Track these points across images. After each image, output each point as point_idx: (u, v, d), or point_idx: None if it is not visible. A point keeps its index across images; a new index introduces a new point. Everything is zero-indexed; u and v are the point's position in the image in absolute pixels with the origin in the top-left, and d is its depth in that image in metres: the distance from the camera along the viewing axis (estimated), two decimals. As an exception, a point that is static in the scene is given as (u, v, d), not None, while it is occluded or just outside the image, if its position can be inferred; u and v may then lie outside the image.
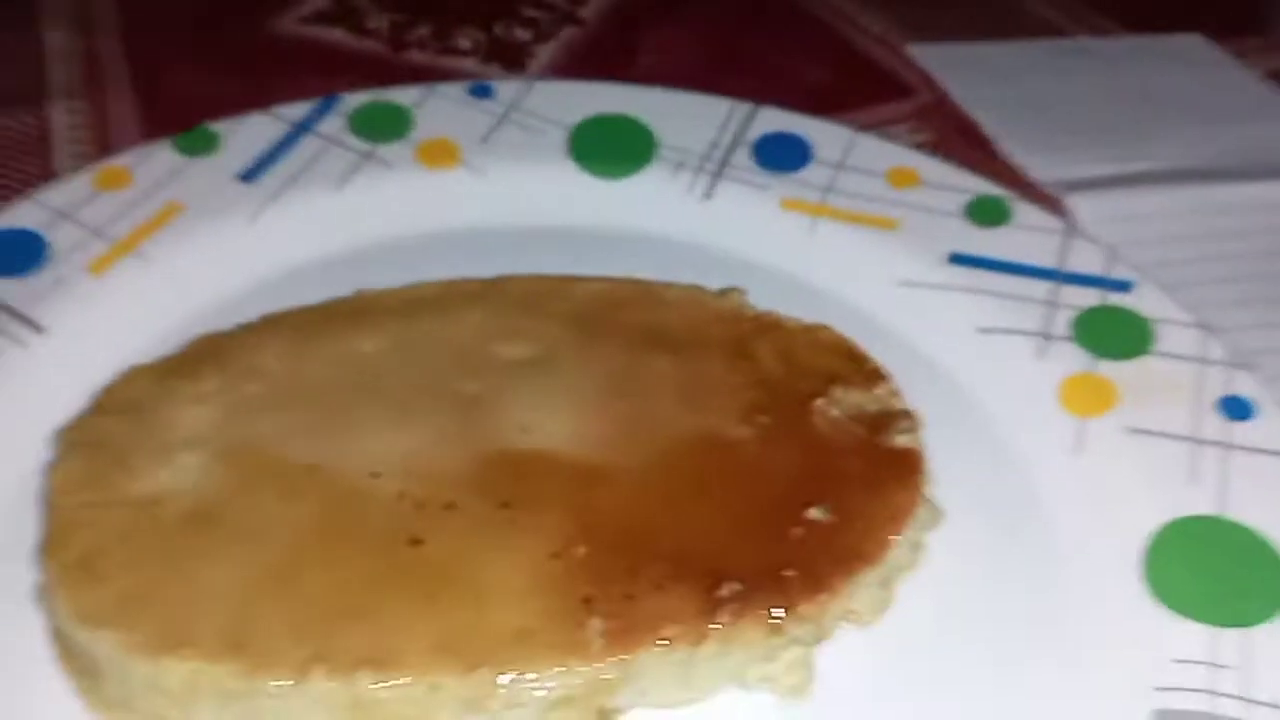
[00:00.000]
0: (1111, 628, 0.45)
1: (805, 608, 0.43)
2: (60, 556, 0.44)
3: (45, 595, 0.44)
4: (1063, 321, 0.56)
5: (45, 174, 0.69)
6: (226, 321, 0.55)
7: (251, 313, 0.56)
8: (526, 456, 0.48)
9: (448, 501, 0.46)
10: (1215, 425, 0.51)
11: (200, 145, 0.65)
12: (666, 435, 0.49)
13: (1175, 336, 0.55)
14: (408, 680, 0.40)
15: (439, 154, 0.67)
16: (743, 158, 0.67)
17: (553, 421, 0.50)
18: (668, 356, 0.53)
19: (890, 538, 0.45)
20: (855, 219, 0.63)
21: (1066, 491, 0.50)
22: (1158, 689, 0.43)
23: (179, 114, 0.71)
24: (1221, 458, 0.49)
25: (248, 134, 0.66)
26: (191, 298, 0.59)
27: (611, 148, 0.67)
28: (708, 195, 0.65)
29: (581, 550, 0.44)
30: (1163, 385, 0.52)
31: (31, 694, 0.43)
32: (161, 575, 0.43)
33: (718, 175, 0.66)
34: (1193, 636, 0.44)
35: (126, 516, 0.45)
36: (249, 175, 0.64)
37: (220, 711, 0.41)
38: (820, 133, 0.68)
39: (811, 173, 0.65)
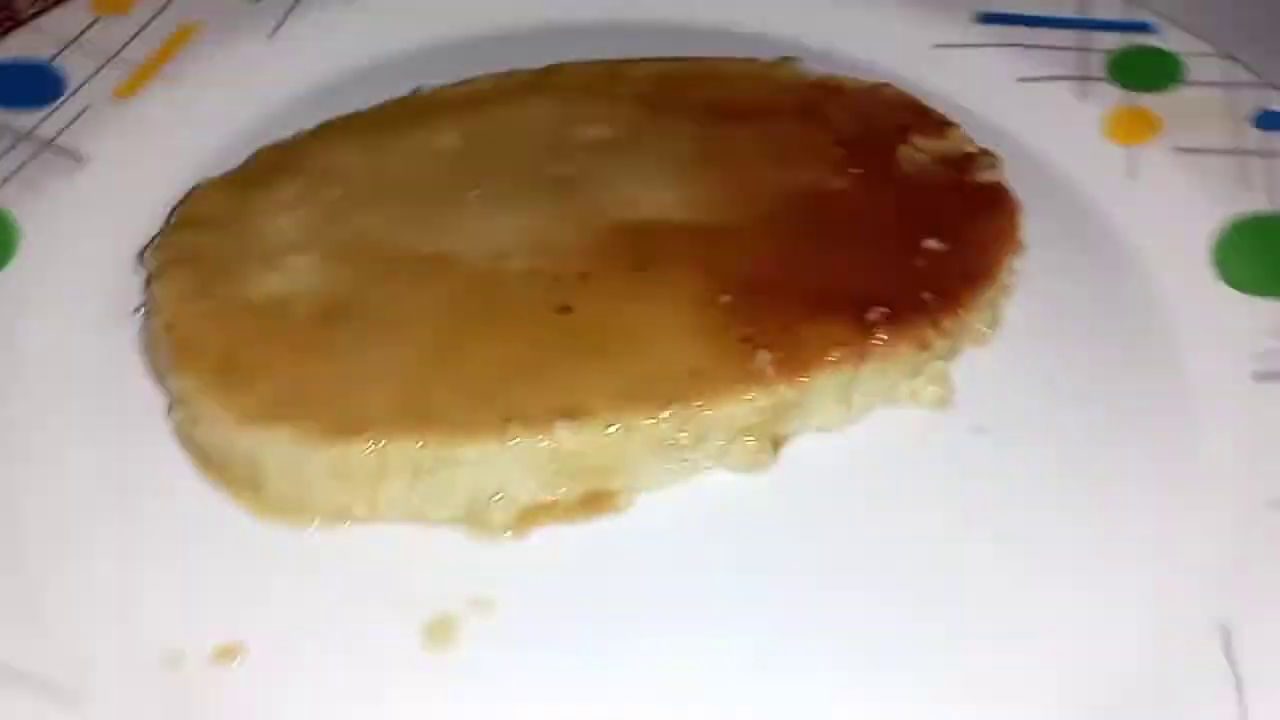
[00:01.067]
0: (1197, 321, 0.50)
1: (946, 323, 0.45)
2: (197, 367, 0.43)
3: (187, 409, 0.43)
4: (1096, 63, 0.59)
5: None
6: (270, 136, 0.54)
7: (291, 126, 0.54)
8: (643, 225, 0.48)
9: (581, 272, 0.46)
10: (1255, 137, 0.55)
11: (197, -38, 0.61)
12: (769, 193, 0.50)
13: (1202, 66, 0.58)
14: (603, 426, 0.41)
15: (448, -44, 0.64)
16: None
17: (657, 193, 0.50)
18: (744, 125, 0.54)
19: (1002, 258, 0.48)
20: (880, -11, 0.64)
21: (1130, 211, 0.54)
22: (1251, 355, 0.47)
23: None
24: (1266, 165, 0.54)
25: (246, -50, 0.62)
26: (227, 116, 0.56)
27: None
28: (734, -21, 0.65)
29: (726, 298, 0.45)
30: (1200, 109, 0.56)
31: (182, 515, 0.42)
32: (316, 368, 0.43)
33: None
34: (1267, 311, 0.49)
35: (255, 320, 0.44)
36: (258, -9, 0.61)
37: (409, 490, 0.41)
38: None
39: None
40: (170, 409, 0.44)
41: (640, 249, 0.47)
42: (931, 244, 0.48)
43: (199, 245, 0.47)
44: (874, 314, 0.45)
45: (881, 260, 0.47)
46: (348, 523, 0.42)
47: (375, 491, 0.41)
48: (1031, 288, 0.50)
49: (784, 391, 0.42)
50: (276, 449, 0.41)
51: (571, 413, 0.41)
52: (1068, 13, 0.62)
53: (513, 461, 0.41)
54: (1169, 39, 0.60)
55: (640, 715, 0.38)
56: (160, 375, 0.45)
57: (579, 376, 0.42)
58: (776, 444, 0.44)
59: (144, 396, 0.45)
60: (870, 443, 0.45)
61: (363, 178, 0.51)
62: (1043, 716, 0.38)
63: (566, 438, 0.41)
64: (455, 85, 0.55)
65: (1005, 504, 0.43)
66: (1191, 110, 0.56)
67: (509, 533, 0.41)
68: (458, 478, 0.41)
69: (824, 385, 0.43)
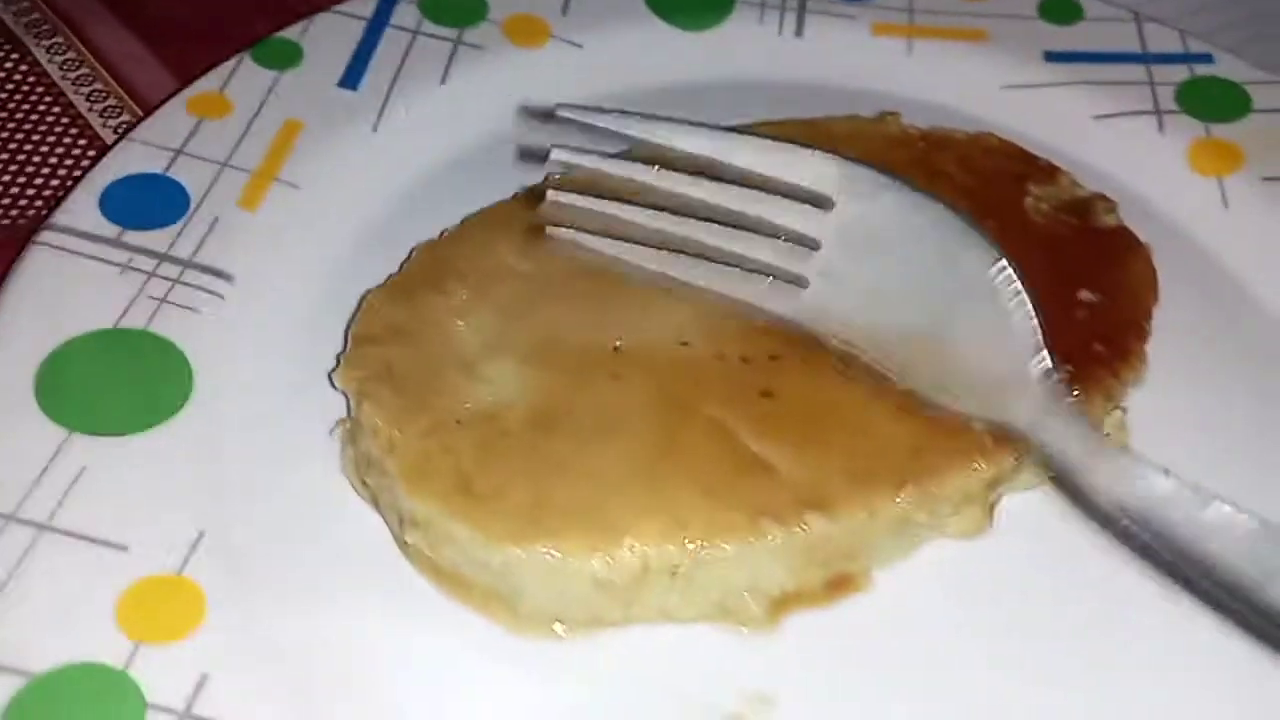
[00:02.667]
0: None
1: (1124, 373, 0.48)
2: (432, 489, 0.43)
3: (427, 533, 0.43)
4: (1167, 97, 0.63)
5: (71, 116, 0.62)
6: (402, 230, 0.53)
7: (422, 217, 0.54)
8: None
9: (771, 353, 0.47)
10: (1332, 161, 0.59)
11: (283, 58, 0.60)
12: (914, 254, 0.52)
13: (1267, 93, 0.62)
14: (849, 513, 0.42)
15: (528, 31, 0.64)
16: (821, -10, 0.68)
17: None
18: (872, 187, 0.56)
19: (1151, 302, 0.51)
20: (946, 34, 0.66)
21: (1230, 242, 0.58)
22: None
23: (179, 37, 0.66)
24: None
25: (325, 38, 0.61)
26: (354, 214, 0.56)
27: (691, -1, 0.67)
28: (798, 34, 0.67)
29: (920, 368, 0.47)
30: (1275, 137, 0.60)
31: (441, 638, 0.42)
32: (552, 478, 0.43)
33: (802, 11, 0.67)
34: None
35: (475, 434, 0.44)
36: (349, 81, 0.60)
37: (666, 594, 0.42)
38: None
39: (888, -3, 0.68)
40: (402, 531, 0.44)
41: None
42: (1085, 295, 0.51)
43: (392, 360, 0.47)
44: (1062, 374, 0.47)
45: (1048, 316, 0.50)
46: (601, 630, 0.43)
47: (632, 598, 0.42)
48: (1160, 325, 0.54)
49: (1004, 459, 0.45)
50: (536, 567, 0.41)
51: (818, 504, 0.42)
52: (1131, 47, 0.66)
53: (765, 556, 0.42)
54: (1228, 69, 0.64)
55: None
56: (380, 499, 0.45)
57: (807, 463, 0.43)
58: (993, 508, 0.46)
59: (361, 522, 0.45)
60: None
61: (526, 273, 0.50)
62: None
63: (818, 528, 0.42)
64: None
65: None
66: (1270, 139, 0.60)
67: (763, 625, 0.43)
68: (711, 577, 0.42)
69: (1034, 448, 0.45)
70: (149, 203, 0.53)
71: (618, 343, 0.48)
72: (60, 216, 0.51)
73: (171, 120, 0.57)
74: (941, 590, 0.44)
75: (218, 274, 0.51)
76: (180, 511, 0.43)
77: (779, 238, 0.44)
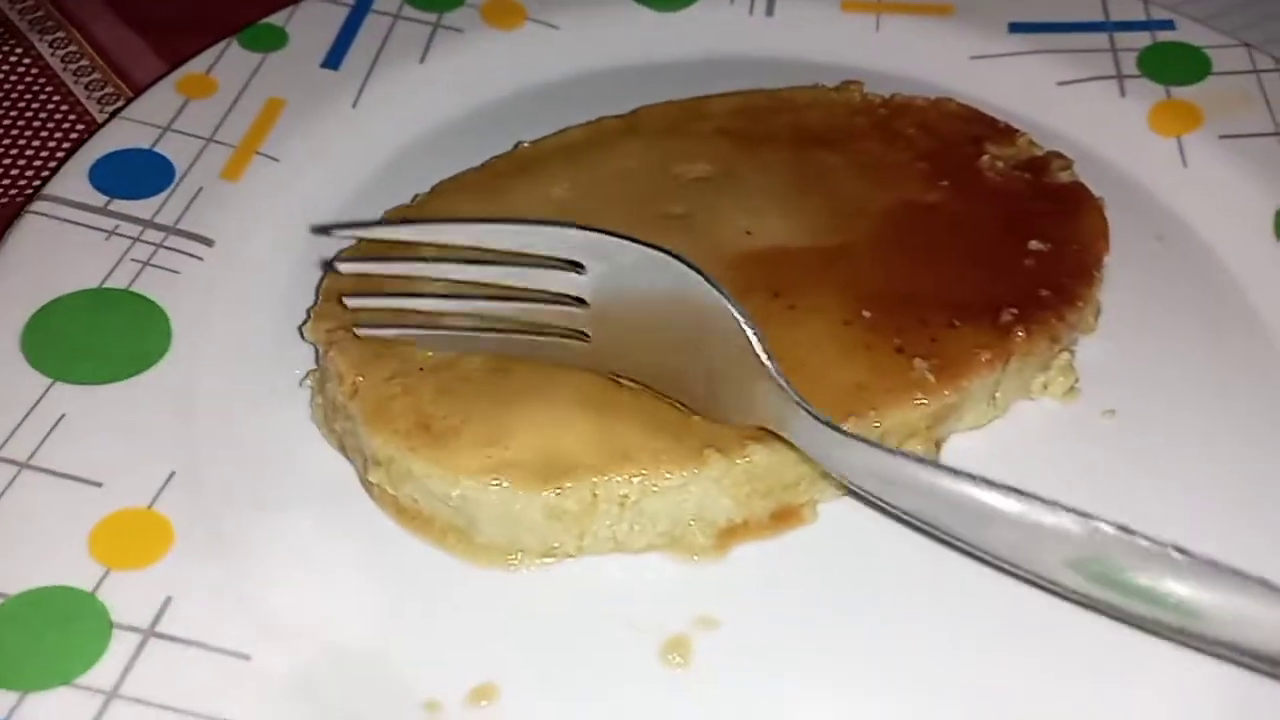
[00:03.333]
0: (1272, 292, 0.54)
1: (1070, 316, 0.49)
2: (394, 429, 0.45)
3: (388, 470, 0.45)
4: (1129, 62, 0.64)
5: (70, 103, 0.66)
6: (378, 201, 0.56)
7: (395, 189, 0.56)
8: (766, 253, 0.51)
9: (723, 298, 0.49)
10: (1289, 118, 0.60)
11: (268, 40, 0.63)
12: (871, 211, 0.54)
13: (1227, 57, 0.63)
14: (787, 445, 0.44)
15: (505, 13, 0.67)
16: (791, -30, 0.70)
17: (768, 221, 0.53)
18: (831, 150, 0.57)
19: (1101, 252, 0.52)
20: (914, 9, 0.68)
21: (1188, 199, 0.58)
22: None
23: (174, 29, 0.69)
24: (1306, 142, 0.59)
25: (309, 23, 0.64)
26: (331, 186, 0.58)
27: (664, -20, 0.69)
28: (769, 13, 0.69)
29: (867, 314, 0.48)
30: (1236, 98, 0.61)
31: (400, 570, 0.44)
32: (507, 418, 0.45)
33: (772, -9, 0.69)
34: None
35: (433, 378, 0.46)
36: (331, 62, 0.63)
37: (614, 523, 0.44)
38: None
39: (857, -26, 0.70)
40: (365, 471, 0.46)
41: (770, 276, 0.50)
42: (1035, 245, 0.52)
43: (359, 314, 0.49)
44: (1006, 315, 0.48)
45: (995, 265, 0.51)
46: (555, 560, 0.44)
47: (583, 528, 0.44)
48: (1116, 277, 0.55)
49: (947, 395, 0.46)
50: (491, 499, 0.43)
51: (761, 435, 0.44)
52: (1094, 16, 0.67)
53: (710, 486, 0.44)
54: (1190, 34, 0.65)
55: (870, 700, 0.41)
56: (345, 442, 0.47)
57: (753, 402, 0.45)
58: (938, 445, 0.47)
59: (327, 465, 0.47)
60: (1015, 436, 0.49)
61: (487, 230, 0.53)
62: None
63: (761, 458, 0.43)
64: (550, 137, 0.58)
65: (1148, 478, 0.47)
66: (1227, 99, 0.61)
67: (711, 554, 0.44)
68: (659, 507, 0.44)
69: (978, 386, 0.47)
70: (136, 174, 0.55)
71: (576, 295, 0.50)
72: (52, 187, 0.54)
73: (160, 99, 0.59)
74: (884, 523, 0.45)
75: (199, 239, 0.54)
76: (153, 453, 0.45)
77: (552, 302, 0.45)
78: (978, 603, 0.43)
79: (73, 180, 0.55)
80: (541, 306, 0.45)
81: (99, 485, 0.44)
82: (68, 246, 0.52)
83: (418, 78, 0.63)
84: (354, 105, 0.61)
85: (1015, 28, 0.67)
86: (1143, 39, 0.65)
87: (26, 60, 0.69)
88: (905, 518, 0.40)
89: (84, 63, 0.69)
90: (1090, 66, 0.64)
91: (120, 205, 0.54)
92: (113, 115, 0.58)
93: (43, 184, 0.60)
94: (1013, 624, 0.43)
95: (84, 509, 0.43)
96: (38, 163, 0.63)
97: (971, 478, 0.37)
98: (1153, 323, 0.53)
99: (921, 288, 0.50)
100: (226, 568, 0.42)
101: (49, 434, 0.45)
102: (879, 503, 0.40)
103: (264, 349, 0.51)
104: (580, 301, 0.44)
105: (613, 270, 0.43)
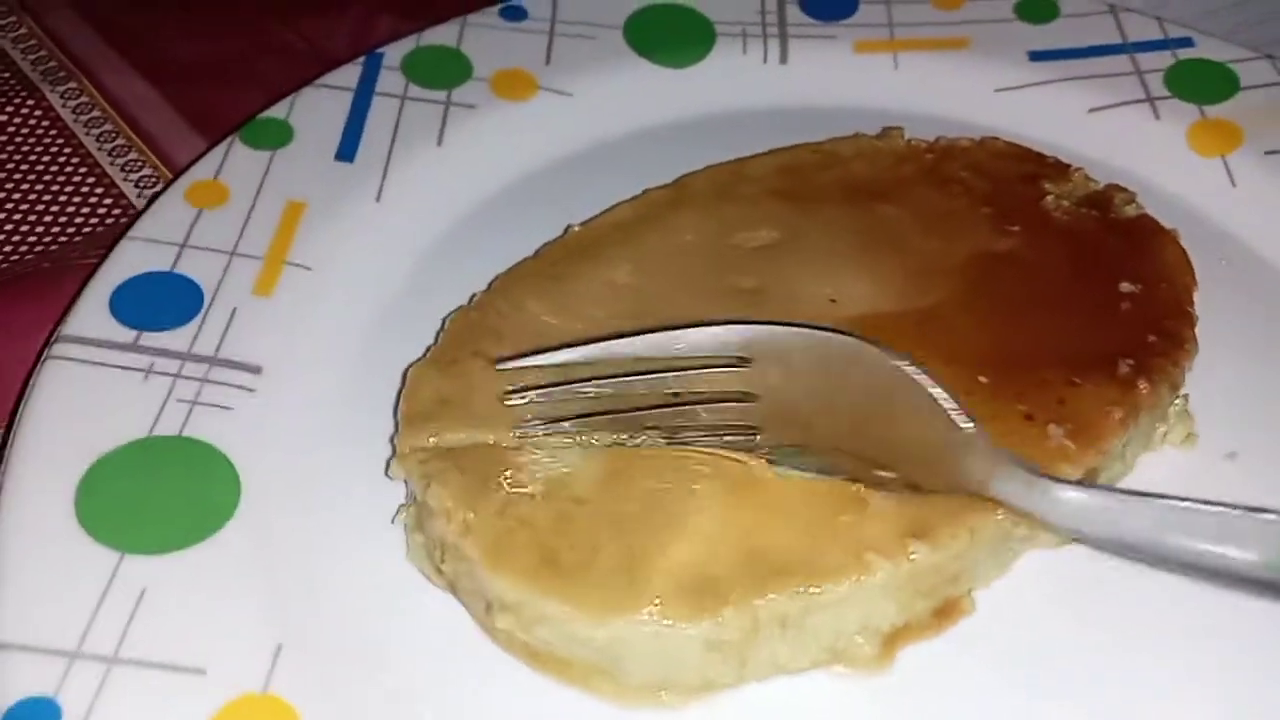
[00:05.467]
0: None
1: (1182, 360, 0.48)
2: (517, 568, 0.41)
3: (517, 613, 0.41)
4: (1156, 83, 0.64)
5: (81, 156, 0.64)
6: (426, 300, 0.52)
7: (439, 283, 0.53)
8: (855, 321, 0.49)
9: (832, 383, 0.47)
10: (1327, 128, 0.60)
11: (274, 136, 0.58)
12: (950, 267, 0.52)
13: (1252, 71, 0.63)
14: (952, 537, 0.41)
15: (516, 85, 0.63)
16: (796, 14, 0.68)
17: (847, 287, 0.51)
18: (887, 202, 0.55)
19: (1190, 286, 0.51)
20: (929, 44, 0.67)
21: (1244, 218, 0.58)
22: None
23: (186, 79, 0.69)
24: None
25: (313, 113, 0.60)
26: (371, 290, 0.54)
27: (670, 35, 0.66)
28: (783, 61, 0.66)
29: (983, 380, 0.46)
30: (1271, 112, 0.61)
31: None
32: (639, 542, 0.41)
33: (784, 37, 0.67)
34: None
35: (548, 505, 0.43)
36: (344, 154, 0.58)
37: (777, 646, 0.41)
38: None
39: (865, 14, 0.68)
40: (488, 615, 0.42)
41: (874, 349, 0.48)
42: (1126, 287, 0.50)
43: (449, 437, 0.45)
44: (1124, 367, 0.47)
45: (1093, 312, 0.50)
46: (714, 692, 0.41)
47: (745, 656, 0.41)
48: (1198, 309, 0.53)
49: (1089, 461, 0.44)
50: (642, 636, 0.39)
51: (920, 532, 0.41)
52: (1113, 39, 0.66)
53: (874, 592, 0.41)
54: (1211, 50, 0.65)
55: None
56: (459, 584, 0.43)
57: (887, 504, 0.42)
58: (1076, 511, 0.45)
59: (439, 608, 0.43)
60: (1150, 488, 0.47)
61: (558, 328, 0.49)
62: None
63: (924, 556, 0.41)
64: (600, 216, 0.55)
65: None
66: (1262, 114, 0.61)
67: (878, 665, 0.41)
68: (822, 621, 0.41)
69: (1115, 445, 0.45)
70: (162, 301, 0.51)
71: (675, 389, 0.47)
72: (72, 325, 0.49)
73: (171, 212, 0.54)
74: (1043, 599, 0.43)
75: (245, 368, 0.49)
76: (250, 625, 0.41)
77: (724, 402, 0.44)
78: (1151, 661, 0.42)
79: (94, 315, 0.50)
80: (713, 406, 0.43)
81: (202, 672, 0.39)
82: (103, 393, 0.47)
83: (438, 161, 0.60)
84: (377, 199, 0.57)
85: (1035, 56, 0.66)
86: (1165, 59, 0.65)
87: (38, 112, 0.67)
88: (1136, 559, 0.39)
89: (96, 114, 0.67)
90: (1118, 91, 0.64)
91: (151, 338, 0.49)
92: (121, 236, 0.53)
93: (56, 243, 0.60)
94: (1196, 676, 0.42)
95: (194, 702, 0.38)
96: (48, 218, 0.61)
97: (1202, 501, 0.37)
98: (1248, 352, 0.52)
99: (1027, 345, 0.48)
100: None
101: (132, 617, 0.40)
102: (1107, 548, 0.39)
103: (341, 486, 0.46)
104: (749, 396, 0.42)
105: (778, 358, 0.42)
